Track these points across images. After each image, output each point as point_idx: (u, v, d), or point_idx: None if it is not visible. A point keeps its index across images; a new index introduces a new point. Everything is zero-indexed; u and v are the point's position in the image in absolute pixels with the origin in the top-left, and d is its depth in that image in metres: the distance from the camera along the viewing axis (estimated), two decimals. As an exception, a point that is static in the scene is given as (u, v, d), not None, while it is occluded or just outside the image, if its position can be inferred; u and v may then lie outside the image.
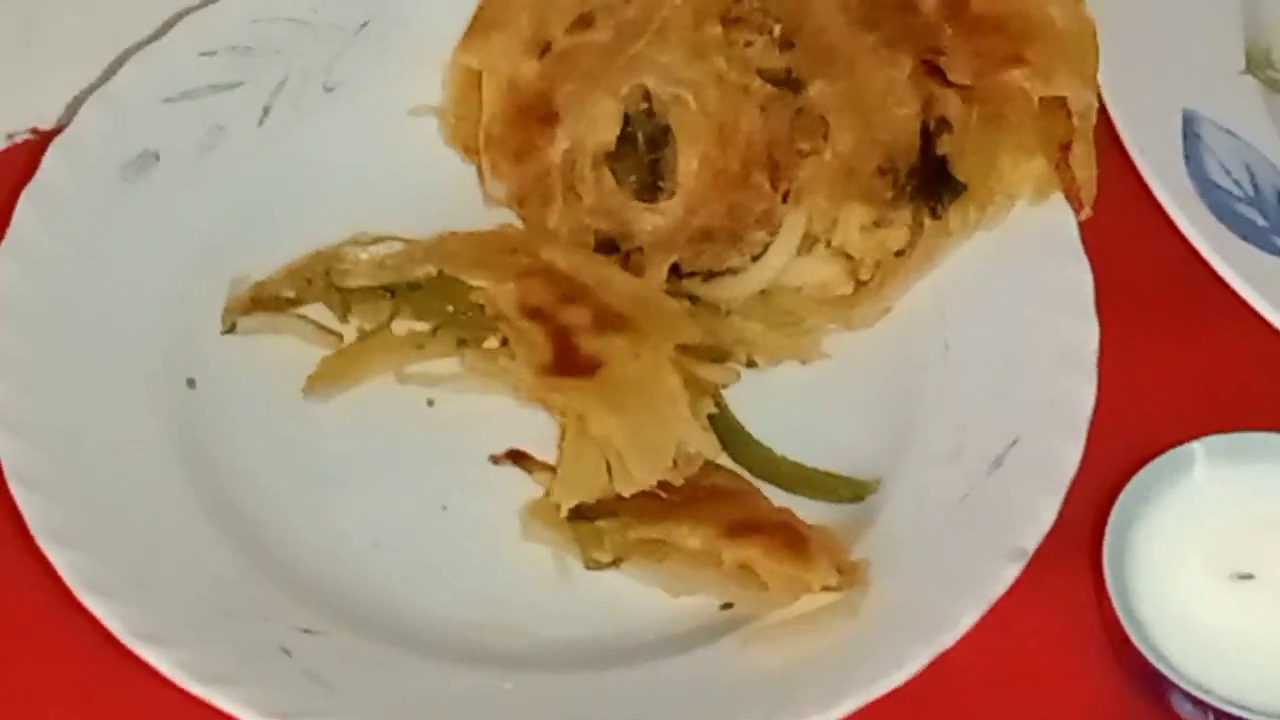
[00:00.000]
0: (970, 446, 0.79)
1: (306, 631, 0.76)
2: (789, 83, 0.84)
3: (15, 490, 0.76)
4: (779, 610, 0.77)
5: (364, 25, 0.88)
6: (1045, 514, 0.76)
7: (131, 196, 0.84)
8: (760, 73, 0.84)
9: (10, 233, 0.82)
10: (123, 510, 0.77)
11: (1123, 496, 0.76)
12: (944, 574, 0.76)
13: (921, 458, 0.80)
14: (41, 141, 0.86)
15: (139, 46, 0.87)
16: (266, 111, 0.87)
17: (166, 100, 0.86)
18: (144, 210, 0.84)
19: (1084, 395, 0.79)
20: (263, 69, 0.87)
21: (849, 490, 0.80)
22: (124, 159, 0.85)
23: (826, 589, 0.76)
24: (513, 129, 0.85)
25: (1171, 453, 0.76)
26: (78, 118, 0.85)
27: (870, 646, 0.75)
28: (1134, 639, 0.73)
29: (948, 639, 0.74)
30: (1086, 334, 0.80)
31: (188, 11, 0.88)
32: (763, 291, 0.84)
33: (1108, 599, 0.74)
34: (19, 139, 0.89)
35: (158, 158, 0.85)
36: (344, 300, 0.84)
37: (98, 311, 0.82)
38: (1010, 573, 0.75)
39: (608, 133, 0.84)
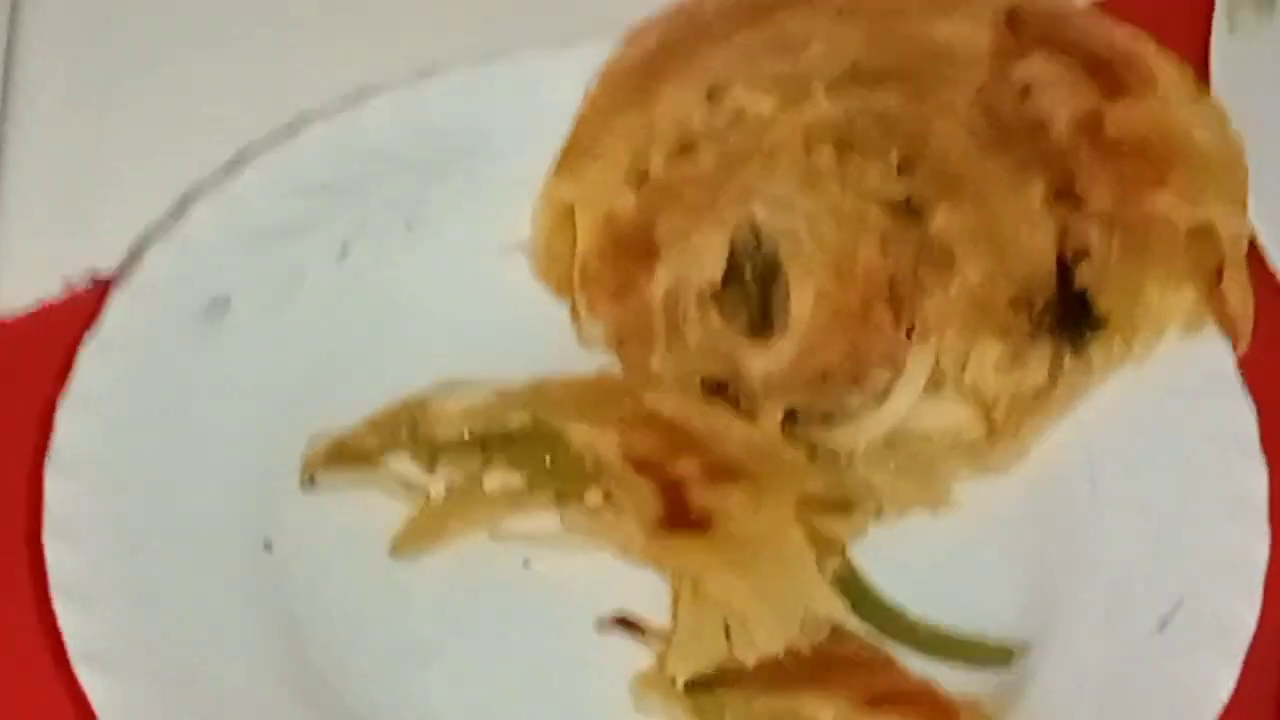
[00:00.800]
0: (1131, 606, 0.74)
1: None
2: (910, 211, 0.81)
3: (80, 673, 0.72)
4: None
5: (449, 160, 0.84)
6: (1223, 682, 0.72)
7: (202, 346, 0.80)
8: (878, 201, 0.81)
9: (73, 386, 0.78)
10: (196, 690, 0.73)
11: None
12: None
13: (1075, 620, 0.75)
14: (101, 290, 0.82)
15: (204, 184, 0.83)
16: (345, 251, 0.83)
17: (239, 242, 0.82)
18: (216, 360, 0.80)
19: (1257, 547, 0.74)
20: (342, 206, 0.83)
21: (994, 656, 0.76)
22: (194, 306, 0.81)
23: None
24: (610, 265, 0.82)
25: None
26: (145, 262, 0.81)
27: None
28: None
29: None
30: (1255, 478, 0.76)
31: (257, 145, 0.84)
32: (888, 437, 0.79)
33: None
34: (77, 286, 0.85)
35: (229, 303, 0.81)
36: (432, 452, 0.80)
37: (167, 469, 0.78)
38: None
39: (714, 268, 0.81)
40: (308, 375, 0.81)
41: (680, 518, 0.76)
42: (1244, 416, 0.77)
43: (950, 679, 0.74)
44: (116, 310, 0.80)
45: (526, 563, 0.79)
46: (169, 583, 0.75)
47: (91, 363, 0.78)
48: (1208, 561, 0.74)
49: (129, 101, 0.89)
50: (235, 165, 0.84)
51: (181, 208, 0.83)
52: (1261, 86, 0.86)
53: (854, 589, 0.76)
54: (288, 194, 0.83)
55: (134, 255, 0.83)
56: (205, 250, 0.82)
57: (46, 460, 0.76)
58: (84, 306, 0.82)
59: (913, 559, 0.78)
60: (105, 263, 0.85)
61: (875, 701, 0.72)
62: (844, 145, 0.81)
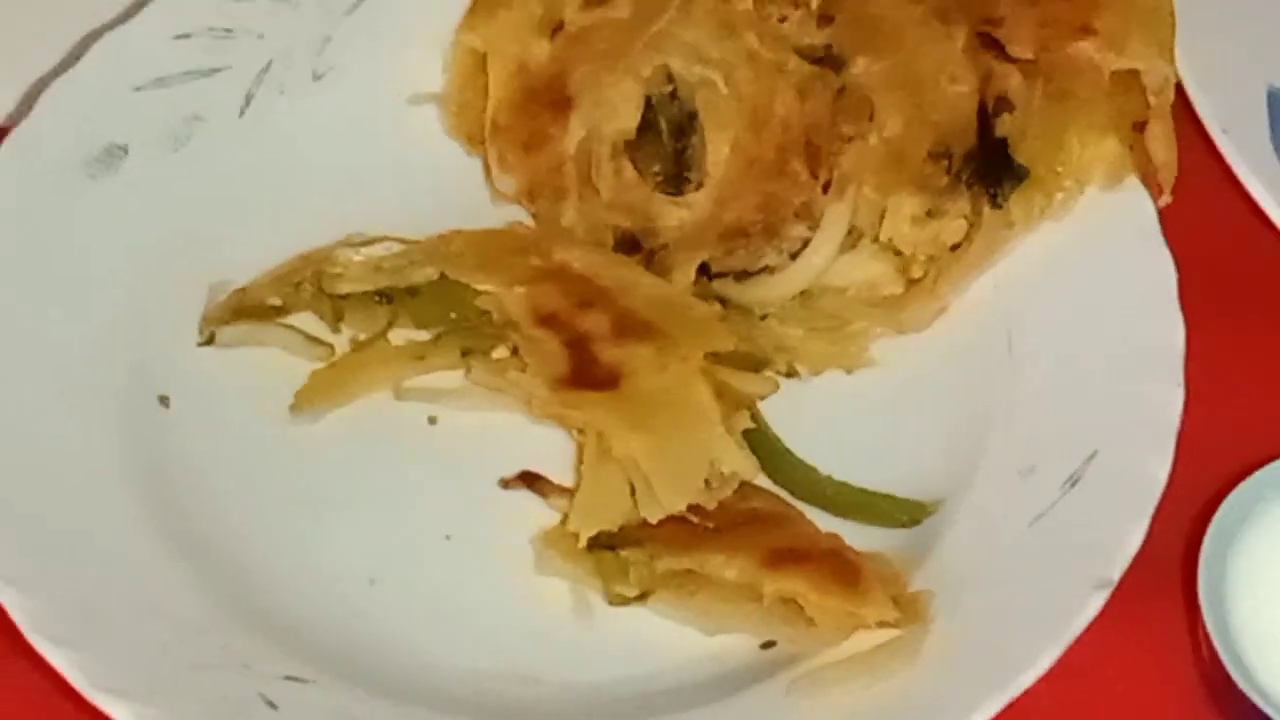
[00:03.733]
0: (1043, 462, 0.74)
1: (292, 679, 0.71)
2: (829, 60, 0.81)
3: None
4: (828, 650, 0.72)
5: (356, 4, 0.84)
6: (1131, 538, 0.72)
7: (97, 195, 0.80)
8: (797, 50, 0.81)
9: None
10: (81, 547, 0.73)
11: (1217, 517, 0.72)
12: (1017, 608, 0.71)
13: (987, 476, 0.75)
14: None
15: (105, 29, 0.82)
16: (249, 100, 0.83)
17: (136, 88, 0.82)
18: (111, 210, 0.80)
19: (1170, 403, 0.74)
20: (244, 53, 0.83)
21: (905, 513, 0.76)
22: (88, 153, 0.81)
23: (882, 625, 0.72)
24: (522, 116, 0.82)
25: (1271, 466, 0.72)
26: (36, 109, 0.81)
27: (933, 692, 0.70)
28: (1236, 680, 0.68)
29: (1022, 683, 0.69)
30: (1171, 334, 0.76)
31: None
32: (803, 293, 0.80)
33: (1205, 635, 0.70)
34: None
35: (126, 151, 0.81)
36: (335, 308, 0.81)
37: (59, 322, 0.77)
38: (1093, 605, 0.71)
39: (628, 119, 0.81)
40: (208, 227, 0.81)
41: (587, 374, 0.75)
42: (1164, 271, 0.77)
43: (860, 537, 0.74)
44: (5, 159, 0.79)
45: (432, 420, 0.79)
46: (55, 434, 0.74)
47: (-20, 210, 0.78)
48: (1121, 417, 0.74)
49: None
50: (134, 8, 0.83)
51: (78, 53, 0.82)
52: None
53: (763, 446, 0.76)
54: (189, 39, 0.82)
55: (29, 100, 0.82)
56: (101, 96, 0.81)
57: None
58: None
59: (826, 416, 0.78)
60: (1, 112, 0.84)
61: (779, 560, 0.72)
62: None
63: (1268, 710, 0.67)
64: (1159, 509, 0.72)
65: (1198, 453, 0.73)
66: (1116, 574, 0.70)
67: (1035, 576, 0.71)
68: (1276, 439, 0.74)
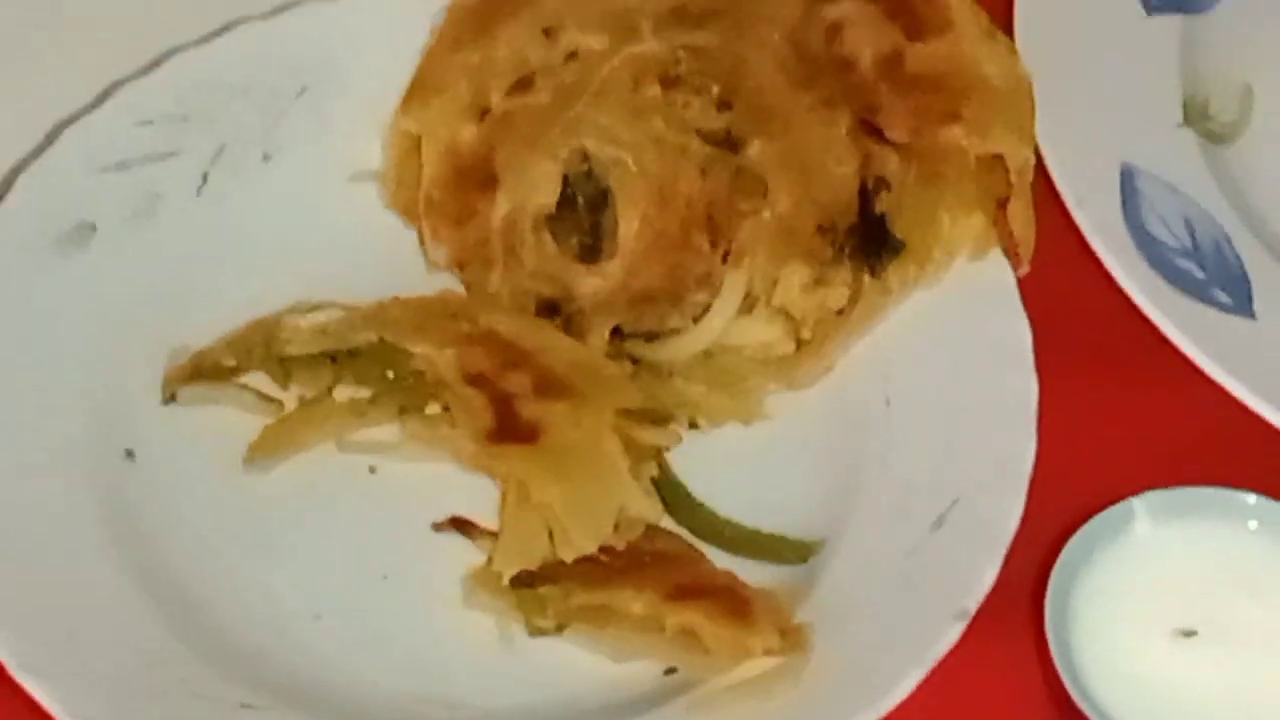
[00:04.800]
0: (913, 506, 0.79)
1: (246, 707, 0.75)
2: (728, 143, 0.84)
3: None
4: (722, 675, 0.76)
5: (302, 91, 0.89)
6: (987, 573, 0.76)
7: (68, 268, 0.84)
8: (699, 133, 0.84)
9: None
10: (52, 584, 0.77)
11: (1064, 554, 0.75)
12: (887, 636, 0.76)
13: (865, 518, 0.80)
14: None
15: (74, 118, 0.87)
16: (205, 179, 0.87)
17: (102, 170, 0.86)
18: (81, 282, 0.84)
19: (1024, 452, 0.79)
20: (200, 137, 0.87)
21: (792, 552, 0.80)
22: (60, 230, 0.85)
23: (769, 653, 0.76)
24: (453, 193, 0.85)
25: (1111, 509, 0.76)
26: (12, 190, 0.85)
27: (813, 711, 0.74)
28: (1076, 698, 0.73)
29: (891, 702, 0.74)
30: (1026, 390, 0.80)
31: (123, 81, 0.88)
32: (705, 352, 0.84)
33: (1050, 658, 0.74)
34: None
35: (94, 228, 0.85)
36: (285, 368, 0.84)
37: (33, 384, 0.82)
38: (953, 633, 0.75)
39: (548, 195, 0.84)
40: (168, 296, 0.85)
41: (510, 429, 0.79)
42: (1021, 334, 0.81)
43: (752, 573, 0.79)
44: None
45: (372, 470, 0.82)
46: (28, 485, 0.78)
47: (-38, 286, 0.82)
48: (981, 464, 0.78)
49: (5, 42, 0.92)
50: (100, 99, 0.87)
51: (50, 139, 0.86)
52: (1063, 23, 0.90)
53: (668, 491, 0.81)
54: (148, 125, 0.86)
55: (6, 183, 0.86)
56: (71, 178, 0.85)
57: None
58: (-37, 231, 0.84)
59: (723, 463, 0.82)
60: (-20, 192, 0.88)
61: (680, 594, 0.76)
62: (669, 81, 0.85)
63: (1098, 722, 0.72)
64: (1013, 546, 0.76)
65: (1049, 496, 0.77)
66: (974, 605, 0.75)
67: (903, 608, 0.76)
68: (1118, 484, 0.77)
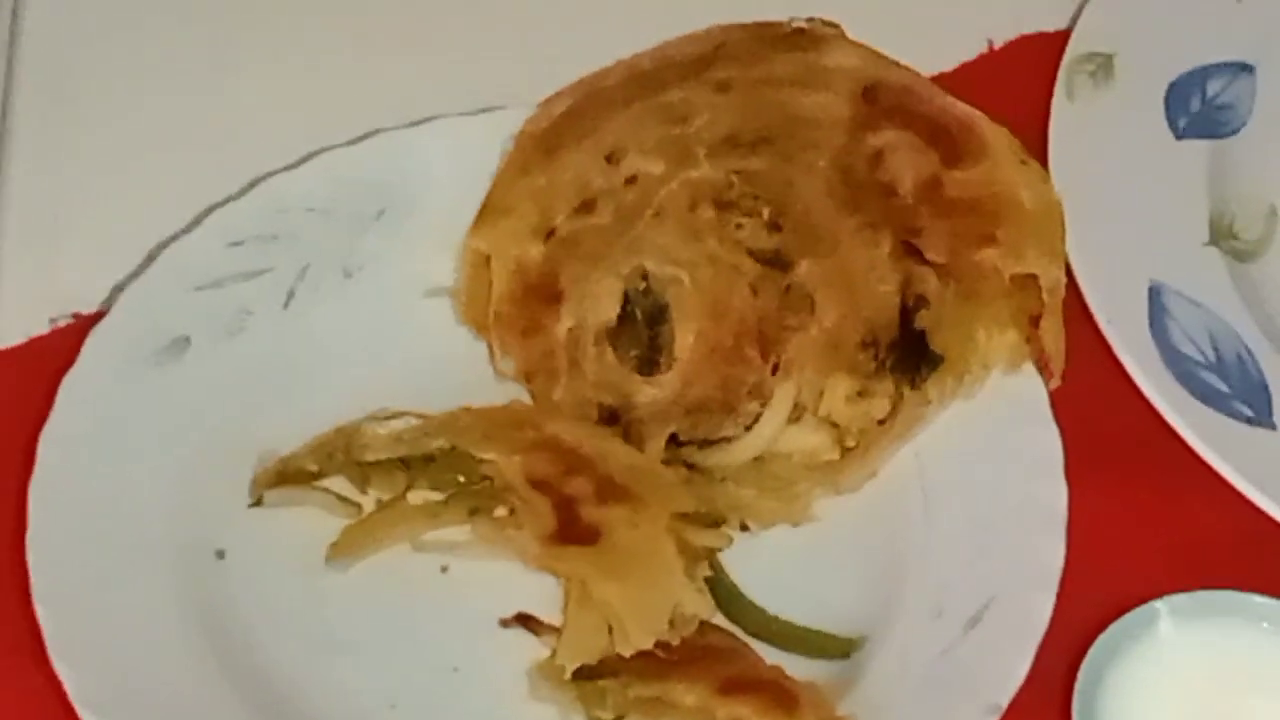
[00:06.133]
0: (950, 605, 0.82)
1: None
2: (778, 262, 0.87)
3: (56, 663, 0.80)
4: None
5: (380, 213, 0.92)
6: (1019, 670, 0.79)
7: (165, 379, 0.88)
8: (751, 253, 0.87)
9: (53, 417, 0.86)
10: (152, 677, 0.80)
11: (1091, 652, 0.77)
12: None
13: (904, 616, 0.83)
14: (81, 325, 0.90)
15: (173, 239, 0.92)
16: (291, 295, 0.90)
17: (197, 288, 0.90)
18: (176, 392, 0.88)
19: (1054, 555, 0.81)
20: (286, 256, 0.91)
21: (836, 647, 0.83)
22: (158, 344, 0.88)
23: None
24: (520, 308, 0.88)
25: (1137, 610, 0.78)
26: (115, 307, 0.89)
27: None
28: None
29: None
30: (1056, 497, 0.83)
31: (216, 205, 0.93)
32: (756, 459, 0.86)
33: None
34: (60, 323, 0.93)
35: (189, 342, 0.89)
36: (363, 473, 0.87)
37: (133, 488, 0.85)
38: None
39: (609, 311, 0.87)
40: (256, 405, 0.88)
41: (572, 531, 0.82)
42: (1052, 443, 0.84)
43: (798, 667, 0.81)
44: (90, 350, 0.87)
45: (444, 569, 0.85)
46: (130, 585, 0.83)
47: (69, 395, 0.86)
48: (1014, 567, 0.81)
49: (111, 167, 0.98)
50: (195, 222, 0.92)
51: (150, 258, 0.92)
52: (1096, 148, 0.93)
53: (720, 590, 0.84)
54: (239, 245, 0.91)
55: (109, 299, 0.91)
56: (168, 295, 0.89)
57: (30, 482, 0.84)
58: (66, 341, 0.89)
59: (772, 563, 0.85)
60: (85, 305, 0.93)
61: (731, 687, 0.79)
62: (722, 204, 0.88)
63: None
64: (1043, 645, 0.78)
65: (1078, 597, 0.80)
66: (1005, 701, 0.78)
67: (940, 702, 0.79)
68: (1144, 586, 0.79)
